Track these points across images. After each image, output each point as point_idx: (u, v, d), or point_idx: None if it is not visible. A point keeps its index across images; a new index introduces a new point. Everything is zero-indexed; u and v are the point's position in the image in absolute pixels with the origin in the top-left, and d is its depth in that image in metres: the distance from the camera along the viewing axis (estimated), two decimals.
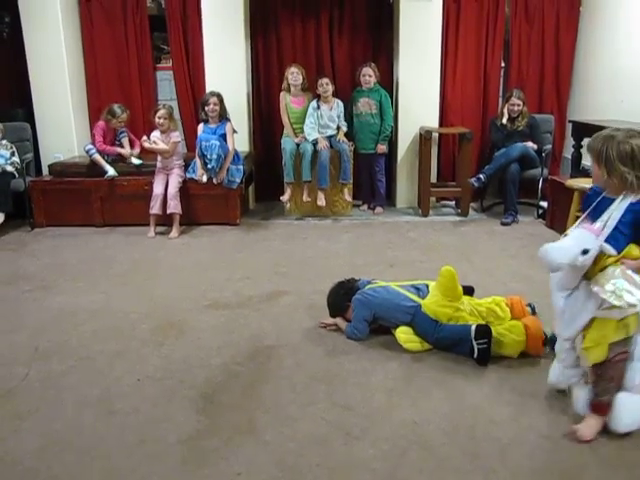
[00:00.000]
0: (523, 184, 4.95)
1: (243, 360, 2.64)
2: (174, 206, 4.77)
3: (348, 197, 5.23)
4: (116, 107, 4.99)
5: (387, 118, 5.10)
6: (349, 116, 5.22)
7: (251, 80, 5.53)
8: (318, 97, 5.10)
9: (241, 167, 4.97)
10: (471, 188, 4.86)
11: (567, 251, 1.95)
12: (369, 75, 5.05)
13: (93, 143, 4.95)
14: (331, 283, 3.01)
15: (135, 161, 5.01)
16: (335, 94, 5.22)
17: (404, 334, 2.69)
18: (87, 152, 4.93)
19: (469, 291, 3.02)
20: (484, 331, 2.54)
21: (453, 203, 5.45)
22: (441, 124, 5.40)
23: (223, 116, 4.89)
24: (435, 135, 5.21)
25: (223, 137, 4.86)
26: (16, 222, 4.97)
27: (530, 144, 4.88)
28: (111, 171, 4.89)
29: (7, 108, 5.38)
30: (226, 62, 5.20)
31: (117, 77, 5.56)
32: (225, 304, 3.30)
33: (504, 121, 4.96)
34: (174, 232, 4.76)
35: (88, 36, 5.44)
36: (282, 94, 5.19)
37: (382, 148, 5.17)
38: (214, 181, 4.85)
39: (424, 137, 5.00)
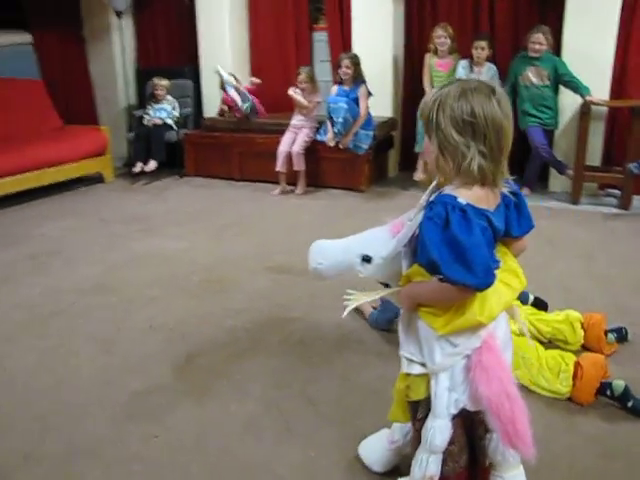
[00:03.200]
0: None
1: (253, 327, 2.58)
2: (297, 164, 4.82)
3: None
4: None
5: (580, 85, 4.20)
6: (510, 85, 4.60)
7: (403, 43, 5.22)
8: (471, 58, 4.60)
9: (371, 133, 4.77)
10: (629, 175, 3.95)
11: (322, 253, 1.48)
12: (539, 43, 4.33)
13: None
14: None
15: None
16: (492, 59, 4.66)
17: None
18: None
19: (541, 305, 2.51)
20: None
21: (619, 193, 4.51)
22: (617, 97, 4.45)
23: (358, 79, 4.71)
24: (601, 109, 4.32)
25: (356, 100, 4.70)
26: (172, 170, 5.52)
27: None
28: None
29: (178, 66, 5.92)
30: (372, 23, 4.98)
31: (276, 38, 5.71)
32: (284, 269, 3.24)
33: None
34: (299, 188, 4.87)
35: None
36: (427, 56, 4.79)
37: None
38: (340, 145, 4.75)
39: (581, 110, 4.19)
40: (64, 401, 2.04)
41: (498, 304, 1.28)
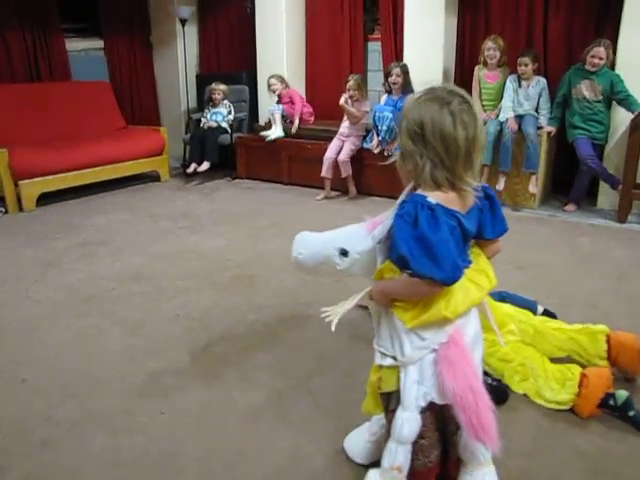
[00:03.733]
0: None
1: (273, 322, 2.70)
2: (345, 170, 4.95)
3: (533, 188, 4.59)
4: None
5: (634, 101, 4.15)
6: (561, 95, 4.54)
7: (455, 56, 5.24)
8: (518, 75, 4.60)
9: None
10: None
11: (304, 244, 1.54)
12: (599, 57, 4.25)
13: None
14: None
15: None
16: (544, 72, 4.63)
17: None
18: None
19: (549, 317, 2.50)
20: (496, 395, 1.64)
21: None
22: None
23: (406, 89, 4.78)
24: None
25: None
26: (225, 172, 5.76)
27: None
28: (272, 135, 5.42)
29: (236, 71, 6.17)
30: (424, 35, 5.02)
31: (331, 46, 5.85)
32: None
33: None
34: (351, 192, 5.03)
35: (310, 6, 5.84)
36: (477, 67, 4.81)
37: None
38: (384, 153, 4.82)
39: (631, 125, 4.07)
40: (87, 373, 2.23)
41: (464, 301, 1.34)
